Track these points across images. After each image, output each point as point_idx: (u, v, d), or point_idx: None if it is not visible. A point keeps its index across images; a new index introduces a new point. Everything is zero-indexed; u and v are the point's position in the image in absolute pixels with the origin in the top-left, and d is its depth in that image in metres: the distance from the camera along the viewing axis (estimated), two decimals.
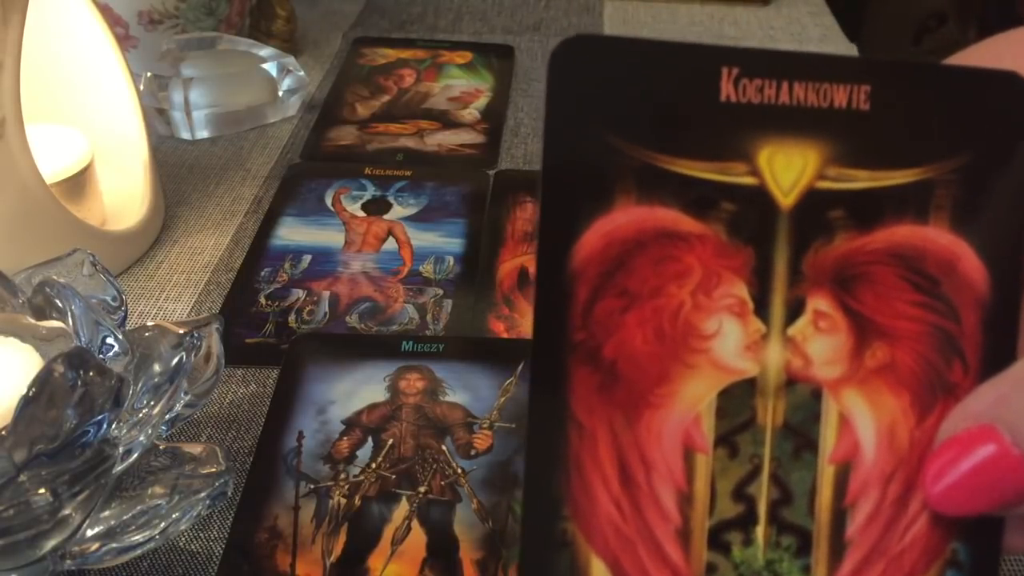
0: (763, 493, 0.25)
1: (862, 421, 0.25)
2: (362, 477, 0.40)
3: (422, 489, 0.39)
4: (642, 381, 0.24)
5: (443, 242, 0.55)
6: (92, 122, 0.55)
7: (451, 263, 0.53)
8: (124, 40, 0.68)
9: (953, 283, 0.25)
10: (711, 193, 0.24)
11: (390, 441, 0.41)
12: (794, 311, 0.25)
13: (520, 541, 0.25)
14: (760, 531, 0.25)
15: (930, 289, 0.25)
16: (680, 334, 0.24)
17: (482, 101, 0.70)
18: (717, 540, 0.25)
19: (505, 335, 0.48)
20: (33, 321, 0.35)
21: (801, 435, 0.25)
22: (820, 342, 0.25)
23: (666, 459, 0.25)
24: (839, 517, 0.25)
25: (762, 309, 0.25)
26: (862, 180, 0.24)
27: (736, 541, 0.25)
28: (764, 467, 0.25)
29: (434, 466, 0.40)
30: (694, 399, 0.25)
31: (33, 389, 0.30)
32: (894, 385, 0.25)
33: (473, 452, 0.41)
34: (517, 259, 0.53)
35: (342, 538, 0.37)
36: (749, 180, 0.24)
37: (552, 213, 0.24)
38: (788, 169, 0.24)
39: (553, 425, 0.24)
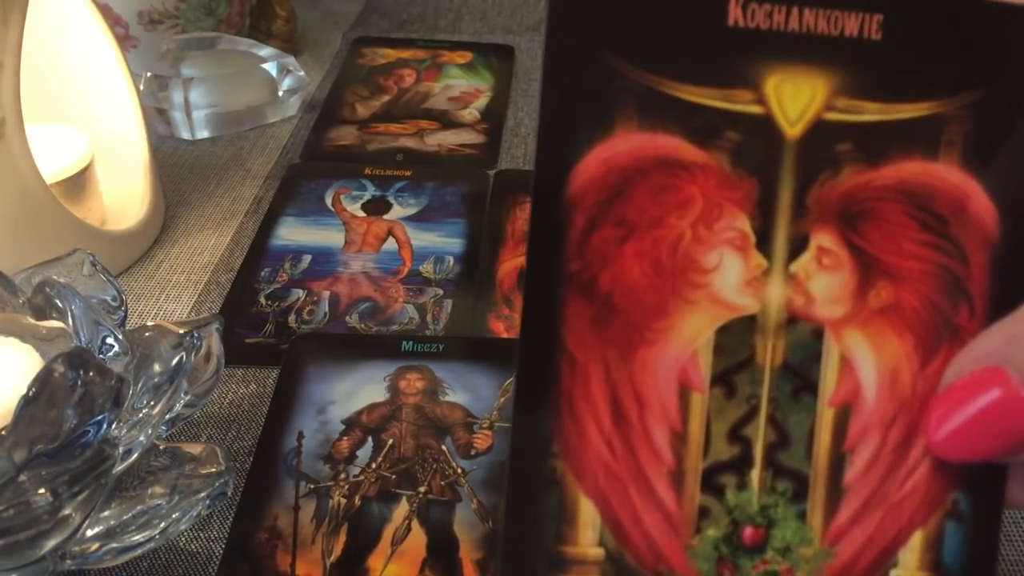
0: (760, 435, 0.24)
1: (864, 363, 0.24)
2: (362, 477, 0.40)
3: (422, 489, 0.39)
4: (638, 315, 0.24)
5: (443, 242, 0.55)
6: (92, 122, 0.55)
7: (451, 263, 0.53)
8: (124, 40, 0.68)
9: (962, 223, 0.24)
10: (715, 121, 0.23)
11: (390, 441, 0.41)
12: (797, 247, 0.24)
13: (506, 478, 0.24)
14: (755, 475, 0.24)
15: (938, 228, 0.24)
16: (679, 267, 0.24)
17: (482, 101, 0.70)
18: (711, 483, 0.24)
19: (505, 335, 0.48)
20: (33, 321, 0.35)
21: (801, 376, 0.24)
22: (823, 280, 0.24)
23: (660, 397, 0.24)
24: (837, 462, 0.24)
25: (764, 244, 0.24)
26: (872, 112, 0.24)
27: (730, 484, 0.24)
28: (762, 408, 0.24)
29: (434, 466, 0.40)
30: (691, 335, 0.24)
31: (33, 389, 0.30)
32: (898, 327, 0.24)
33: (473, 452, 0.41)
34: (517, 259, 0.53)
35: (342, 538, 0.37)
36: (755, 109, 0.23)
37: (550, 138, 0.23)
38: (796, 98, 0.23)
39: (544, 358, 0.23)
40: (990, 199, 0.24)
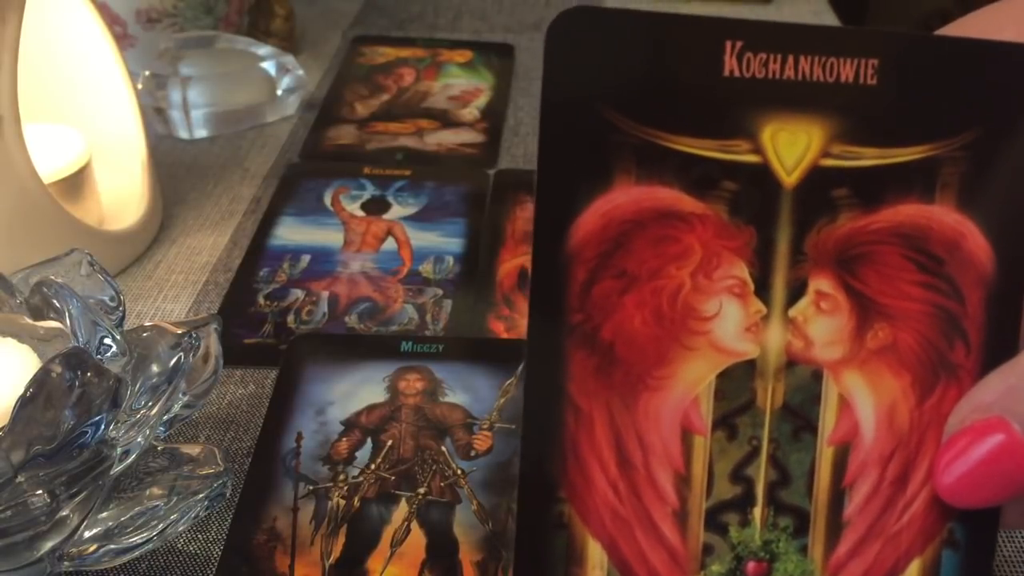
0: (761, 475, 0.25)
1: (862, 402, 0.25)
2: (361, 478, 0.39)
3: (421, 490, 0.39)
4: (640, 363, 0.24)
5: (443, 242, 0.54)
6: (90, 121, 0.55)
7: (451, 263, 0.53)
8: (122, 39, 0.68)
9: (957, 262, 0.25)
10: (713, 172, 0.24)
11: (389, 442, 0.41)
12: (796, 292, 0.24)
13: (516, 523, 0.24)
14: (758, 512, 0.25)
15: (934, 269, 0.25)
16: (679, 316, 0.24)
17: (482, 100, 0.69)
18: (714, 521, 0.25)
19: (505, 335, 0.48)
20: (31, 321, 0.35)
21: (800, 417, 0.25)
22: (821, 323, 0.25)
23: (664, 441, 0.25)
24: (837, 497, 0.25)
25: (763, 290, 0.24)
26: (868, 157, 0.24)
27: (733, 522, 0.25)
28: (763, 449, 0.25)
29: (434, 467, 0.40)
30: (693, 381, 0.25)
31: (31, 390, 0.29)
32: (895, 366, 0.25)
33: (473, 453, 0.41)
34: (517, 259, 0.53)
35: (341, 539, 0.37)
36: (752, 158, 0.24)
37: (549, 192, 0.23)
38: (792, 146, 0.24)
39: (549, 407, 0.24)
40: (984, 237, 0.25)
